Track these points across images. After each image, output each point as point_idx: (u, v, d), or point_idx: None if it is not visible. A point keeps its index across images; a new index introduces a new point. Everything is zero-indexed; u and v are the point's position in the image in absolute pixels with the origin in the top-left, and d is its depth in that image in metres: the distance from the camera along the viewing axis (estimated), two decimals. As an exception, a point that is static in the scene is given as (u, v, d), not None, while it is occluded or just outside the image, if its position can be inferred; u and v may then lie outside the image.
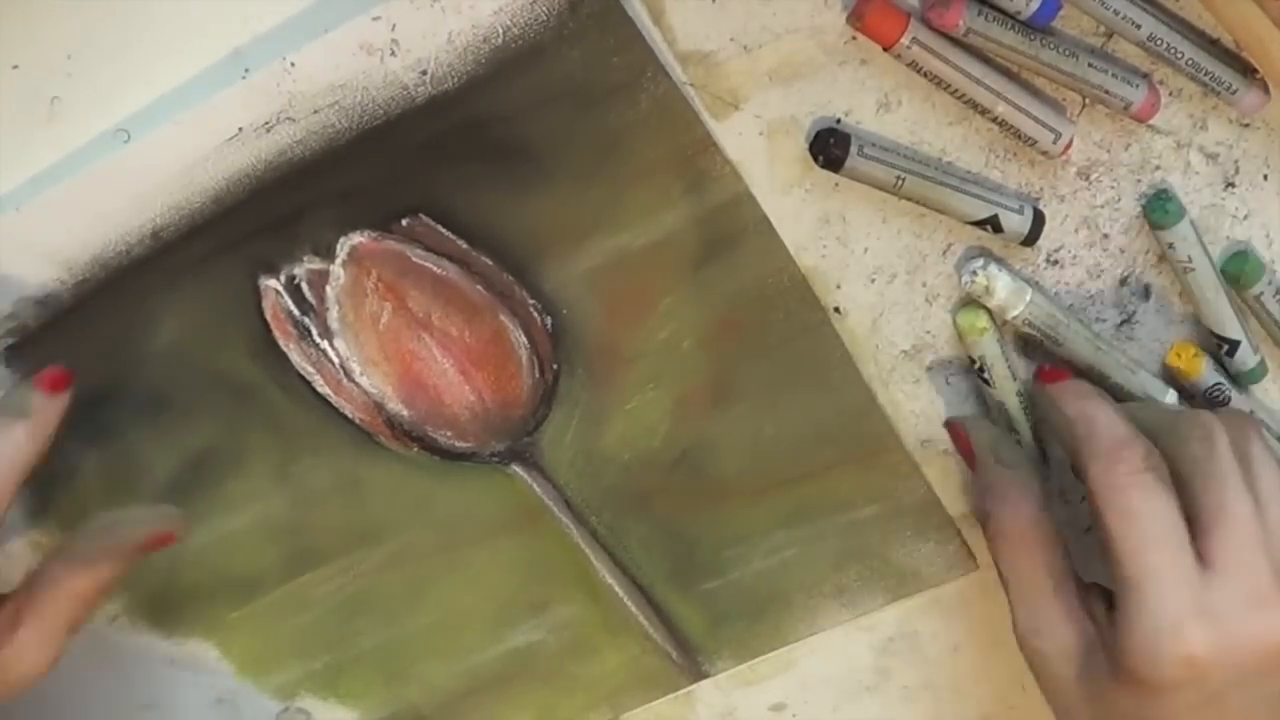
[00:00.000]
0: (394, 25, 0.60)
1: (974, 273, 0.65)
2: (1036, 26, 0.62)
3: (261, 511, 0.69)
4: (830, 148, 0.63)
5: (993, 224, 0.65)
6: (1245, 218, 0.67)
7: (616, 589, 0.71)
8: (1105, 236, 0.67)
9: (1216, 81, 0.64)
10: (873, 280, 0.66)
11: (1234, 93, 0.64)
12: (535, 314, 0.66)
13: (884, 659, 0.73)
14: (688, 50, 0.62)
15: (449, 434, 0.68)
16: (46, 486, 0.67)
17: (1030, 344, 0.67)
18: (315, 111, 0.61)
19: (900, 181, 0.64)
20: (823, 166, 0.63)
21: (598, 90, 0.62)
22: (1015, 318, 0.65)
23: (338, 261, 0.64)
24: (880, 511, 0.70)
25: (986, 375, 0.67)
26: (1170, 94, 0.65)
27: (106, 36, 0.62)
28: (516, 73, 0.61)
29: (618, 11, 0.60)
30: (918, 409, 0.68)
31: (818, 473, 0.70)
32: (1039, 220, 0.65)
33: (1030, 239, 0.65)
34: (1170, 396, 0.68)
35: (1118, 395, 0.66)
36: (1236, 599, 0.59)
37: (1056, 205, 0.66)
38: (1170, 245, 0.66)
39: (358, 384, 0.67)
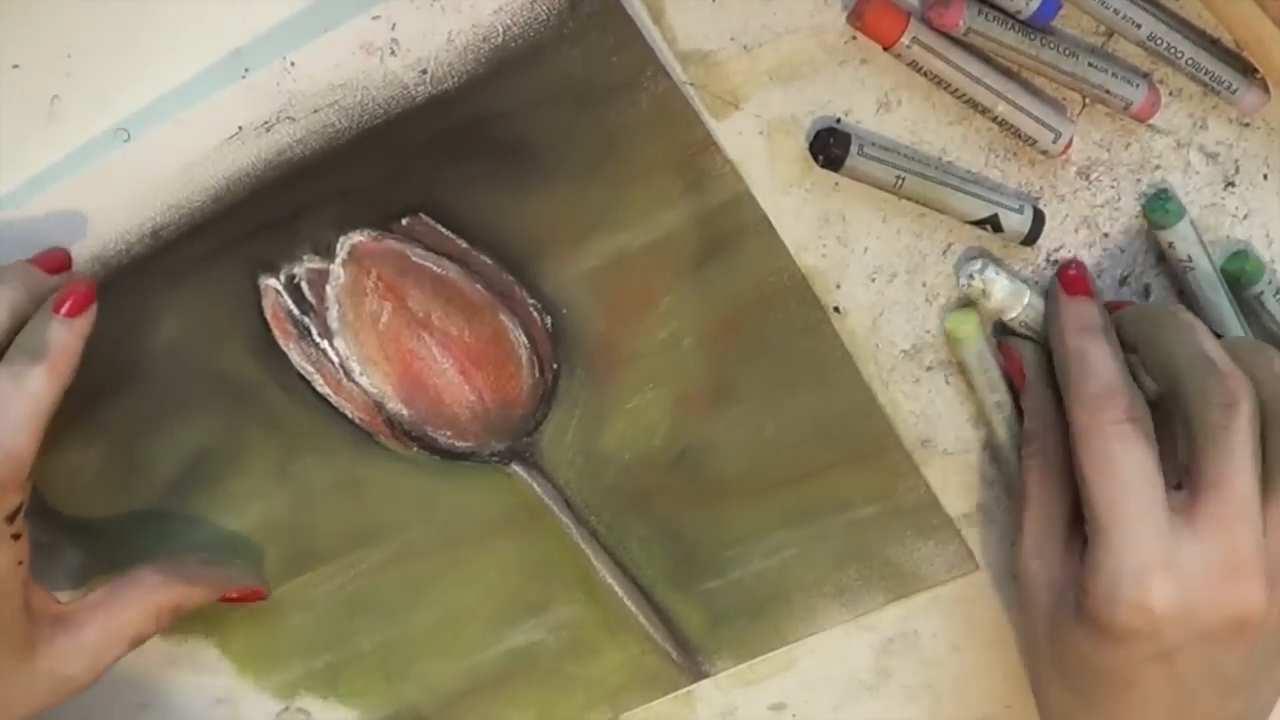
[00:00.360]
0: (394, 24, 0.60)
1: (971, 275, 0.65)
2: (1036, 26, 0.62)
3: (261, 511, 0.69)
4: (830, 147, 0.63)
5: (993, 223, 0.65)
6: (1245, 217, 0.67)
7: (616, 589, 0.71)
8: (1105, 236, 0.67)
9: (1216, 81, 0.64)
10: (873, 280, 0.66)
11: (1234, 92, 0.64)
12: (535, 313, 0.66)
13: (884, 659, 0.73)
14: (688, 50, 0.62)
15: (449, 434, 0.68)
16: (46, 486, 0.67)
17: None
18: (315, 111, 0.61)
19: (900, 181, 0.64)
20: (823, 166, 0.63)
21: (598, 89, 0.62)
22: (1013, 320, 0.65)
23: (337, 261, 0.64)
24: (880, 511, 0.70)
25: (970, 380, 0.67)
26: (1170, 94, 0.65)
27: (106, 36, 0.62)
28: (516, 72, 0.61)
29: (617, 10, 0.60)
30: (917, 409, 0.68)
31: (817, 472, 0.69)
32: (1039, 220, 0.65)
33: (1030, 238, 0.65)
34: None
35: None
36: (1207, 562, 0.59)
37: (1056, 205, 0.66)
38: (1170, 245, 0.66)
39: (357, 383, 0.66)
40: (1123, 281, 0.67)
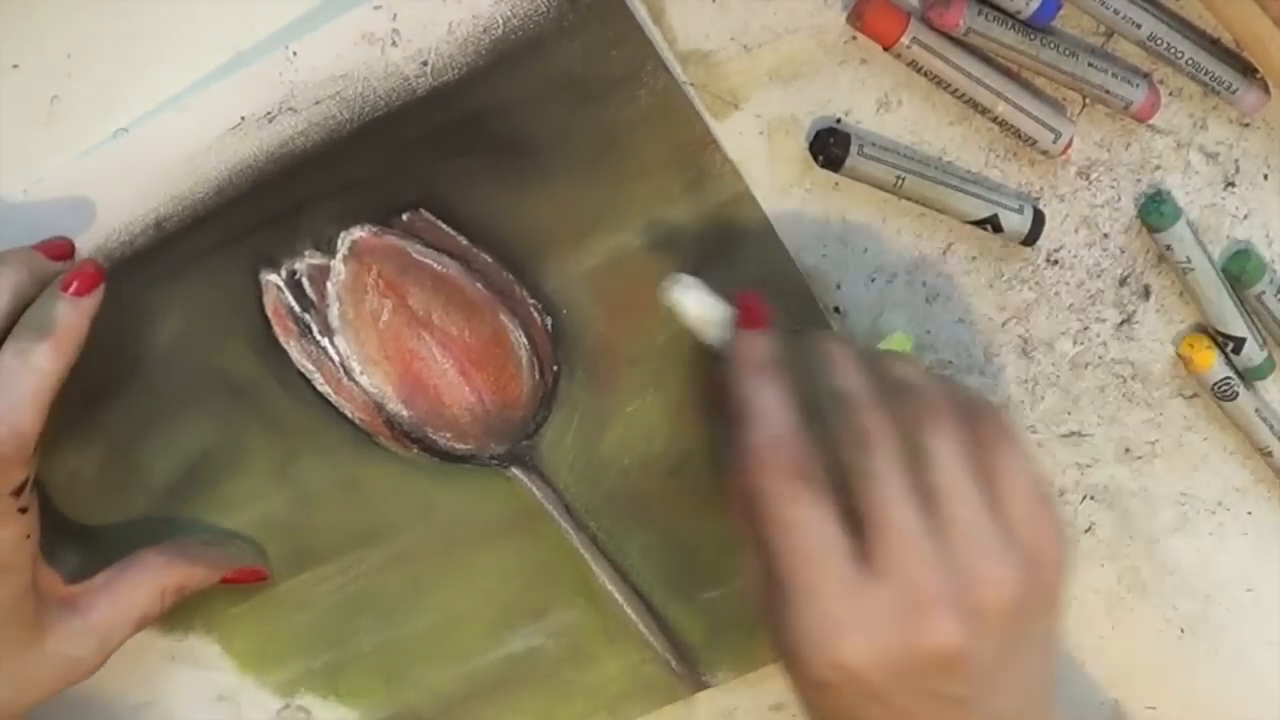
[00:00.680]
0: (395, 15, 0.60)
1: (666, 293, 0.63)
2: (1036, 26, 0.62)
3: (261, 510, 0.68)
4: (830, 147, 0.63)
5: (992, 224, 0.65)
6: (1245, 217, 0.67)
7: (616, 595, 0.71)
8: (1105, 236, 0.67)
9: (1216, 81, 0.64)
10: (873, 280, 0.66)
11: (1234, 92, 0.64)
12: (535, 314, 0.66)
13: (884, 658, 0.73)
14: (688, 50, 0.63)
15: (448, 435, 0.68)
16: (44, 487, 0.67)
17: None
18: (317, 102, 0.61)
19: (900, 181, 0.64)
20: (823, 166, 0.64)
21: (597, 84, 0.62)
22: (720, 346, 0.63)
23: (338, 256, 0.64)
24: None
25: None
26: (1170, 94, 0.65)
27: (106, 36, 0.62)
28: (516, 64, 0.62)
29: (617, 4, 0.61)
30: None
31: (818, 481, 0.69)
32: (1039, 220, 0.65)
33: (1030, 239, 0.65)
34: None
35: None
36: (891, 607, 0.57)
37: (1056, 205, 0.66)
38: (1168, 247, 0.66)
39: (358, 383, 0.66)
40: (1123, 282, 0.67)
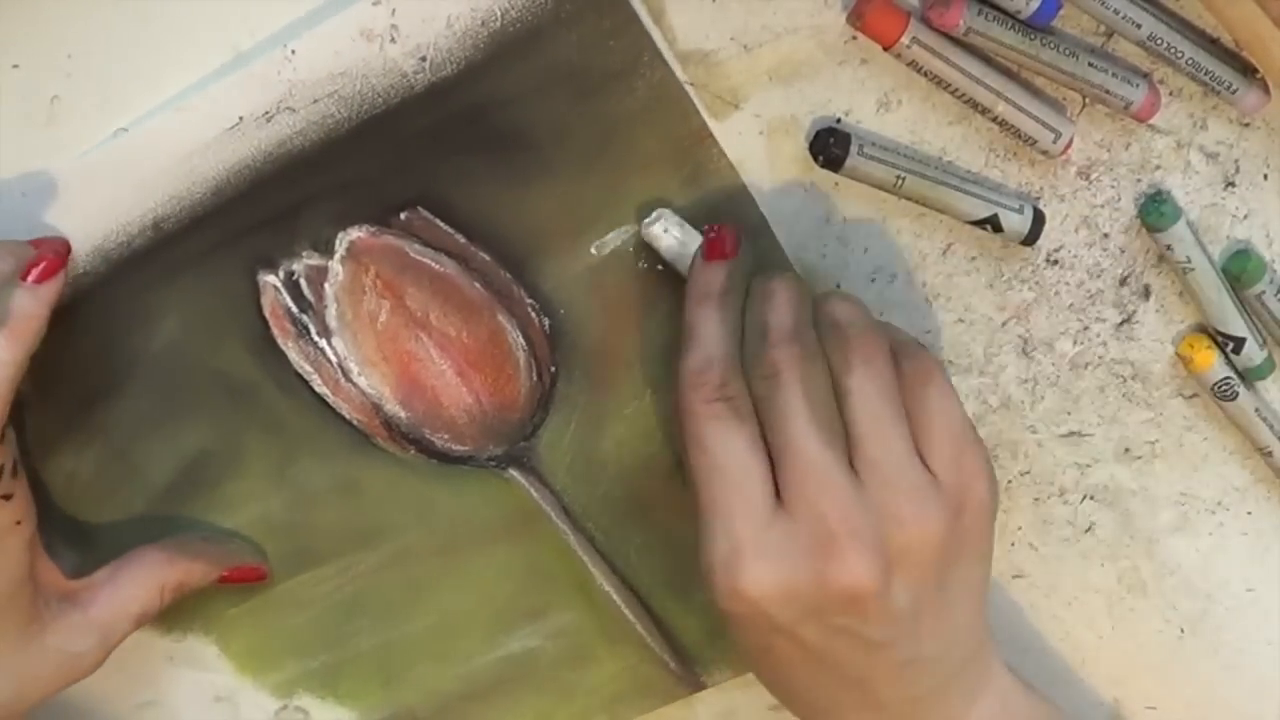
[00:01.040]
0: (393, 10, 0.60)
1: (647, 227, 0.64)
2: (1036, 26, 0.62)
3: (259, 511, 0.68)
4: (830, 147, 0.63)
5: (993, 223, 0.65)
6: (1245, 217, 0.67)
7: (614, 596, 0.70)
8: (1105, 236, 0.67)
9: (1216, 81, 0.64)
10: (873, 280, 0.66)
11: (1234, 92, 0.64)
12: (533, 314, 0.66)
13: (884, 659, 0.73)
14: (688, 49, 0.63)
15: (446, 437, 0.67)
16: (42, 487, 0.67)
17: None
18: (315, 101, 0.61)
19: (900, 181, 0.64)
20: (823, 166, 0.64)
21: (595, 76, 0.62)
22: None
23: (336, 257, 0.64)
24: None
25: None
26: (1170, 94, 0.65)
27: (106, 36, 0.62)
28: (514, 58, 0.61)
29: None
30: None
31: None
32: (1039, 220, 0.65)
33: (1030, 239, 0.65)
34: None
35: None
36: (799, 541, 0.57)
37: (1056, 205, 0.66)
38: (1168, 247, 0.66)
39: (355, 384, 0.66)
40: (1123, 282, 0.67)
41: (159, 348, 0.66)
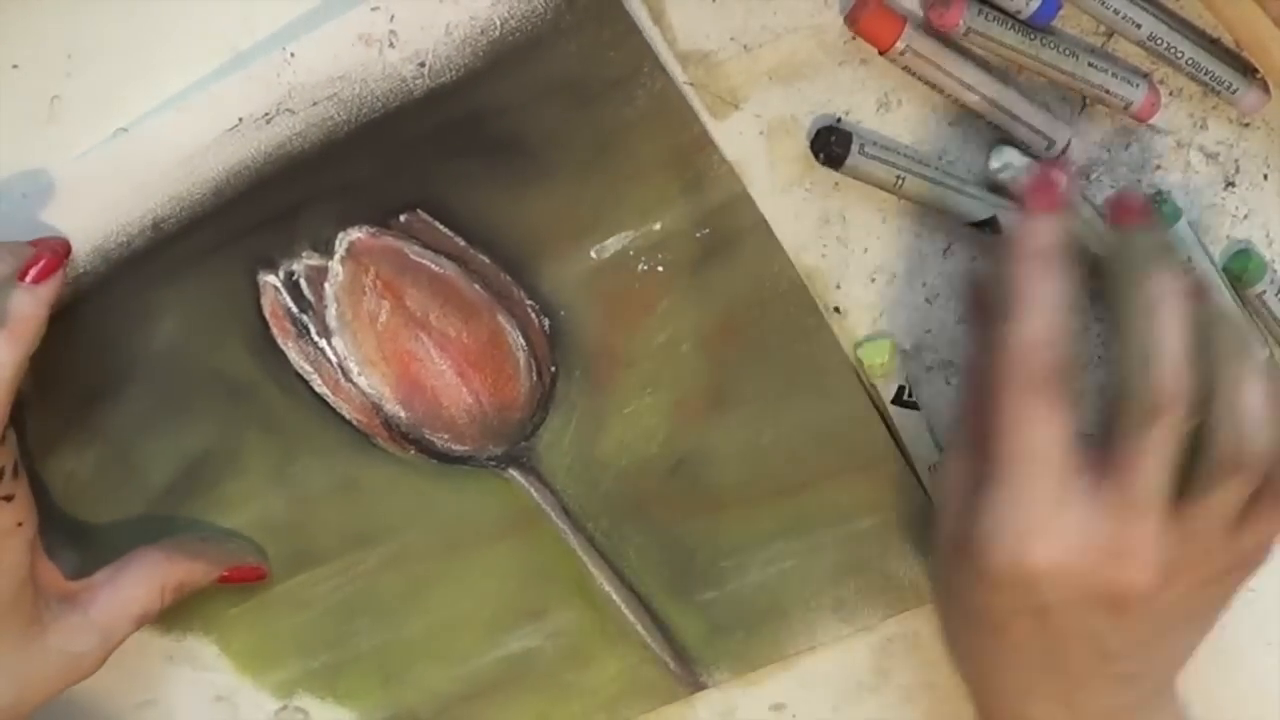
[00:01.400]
0: (392, 16, 0.60)
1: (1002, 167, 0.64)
2: (1037, 26, 0.62)
3: (259, 511, 0.69)
4: (831, 145, 0.63)
5: (992, 225, 0.64)
6: (1245, 217, 0.67)
7: (614, 596, 0.70)
8: (1105, 236, 0.67)
9: (1216, 81, 0.64)
10: (873, 280, 0.66)
11: (1234, 92, 0.64)
12: (533, 315, 0.66)
13: (884, 659, 0.72)
14: (688, 50, 0.63)
15: (446, 437, 0.68)
16: (42, 487, 0.67)
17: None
18: (314, 104, 0.61)
19: (900, 181, 0.64)
20: (823, 164, 0.63)
21: (595, 85, 0.62)
22: None
23: (336, 257, 0.64)
24: (880, 523, 0.70)
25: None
26: (1170, 93, 0.65)
27: (106, 36, 0.62)
28: (514, 66, 0.61)
29: (614, 5, 0.61)
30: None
31: (816, 481, 0.69)
32: None
33: None
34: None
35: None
36: (1095, 539, 0.58)
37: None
38: (1169, 247, 0.66)
39: (355, 384, 0.66)
40: (1123, 282, 0.67)
41: (159, 348, 0.66)
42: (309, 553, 0.69)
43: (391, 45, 0.61)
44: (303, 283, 0.65)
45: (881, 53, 0.62)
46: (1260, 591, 0.71)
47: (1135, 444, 0.58)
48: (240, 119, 0.61)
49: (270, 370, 0.66)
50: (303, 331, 0.65)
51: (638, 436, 0.68)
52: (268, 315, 0.65)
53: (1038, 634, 0.60)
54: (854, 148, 0.63)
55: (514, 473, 0.68)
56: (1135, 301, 0.58)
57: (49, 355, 0.63)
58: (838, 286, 0.66)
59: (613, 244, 0.65)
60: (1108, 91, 0.63)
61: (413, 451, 0.68)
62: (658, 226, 0.64)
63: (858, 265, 0.66)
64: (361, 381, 0.66)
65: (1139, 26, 0.62)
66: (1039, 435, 0.58)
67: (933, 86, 0.63)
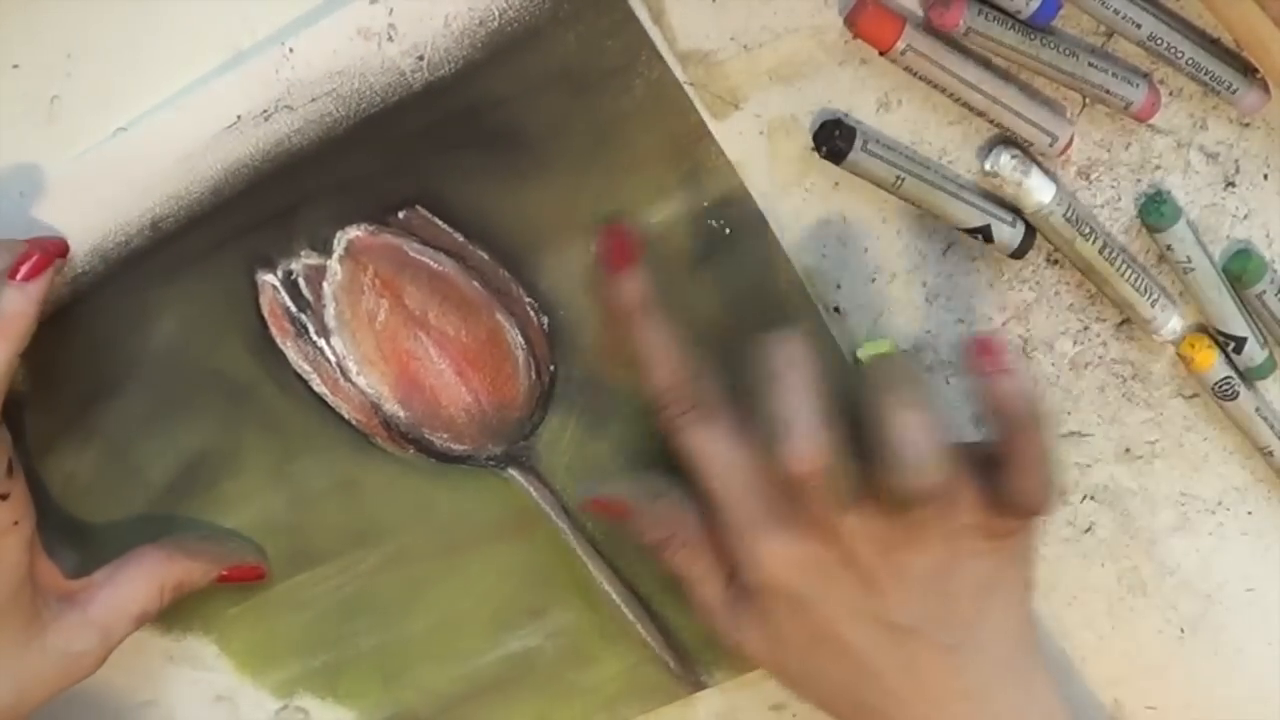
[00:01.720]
0: (391, 9, 0.60)
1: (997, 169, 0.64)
2: (1037, 26, 0.62)
3: (258, 511, 0.68)
4: (835, 139, 0.63)
5: (984, 234, 0.64)
6: (1245, 217, 0.67)
7: (613, 596, 0.70)
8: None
9: (1217, 81, 0.64)
10: (873, 280, 0.66)
11: (1234, 92, 0.64)
12: (532, 313, 0.66)
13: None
14: (688, 49, 0.63)
15: (445, 436, 0.67)
16: (41, 487, 0.67)
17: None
18: (313, 99, 0.61)
19: (900, 181, 0.63)
20: (825, 157, 0.63)
21: (593, 75, 0.62)
22: (1037, 215, 0.65)
23: (335, 256, 0.64)
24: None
25: None
26: (1170, 93, 0.65)
27: (106, 36, 0.62)
28: (512, 57, 0.61)
29: None
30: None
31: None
32: (1030, 235, 0.65)
33: (1019, 253, 0.65)
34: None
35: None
36: (805, 542, 0.61)
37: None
38: (1168, 247, 0.65)
39: (354, 383, 0.66)
40: (1123, 281, 0.67)
41: (158, 347, 0.66)
42: (308, 552, 0.69)
43: (390, 39, 0.61)
44: (301, 282, 0.65)
45: (882, 53, 0.62)
46: (1260, 591, 0.71)
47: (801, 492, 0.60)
48: (239, 116, 0.61)
49: (269, 370, 0.66)
50: (301, 331, 0.65)
51: (637, 435, 0.68)
52: (266, 315, 0.65)
53: (831, 640, 0.62)
54: (857, 144, 0.63)
55: (513, 472, 0.68)
56: (760, 369, 0.61)
57: (48, 355, 0.63)
58: (838, 286, 0.66)
59: (611, 239, 0.65)
60: (1108, 91, 0.63)
61: (412, 451, 0.68)
62: (656, 220, 0.64)
63: (858, 265, 0.66)
64: (360, 381, 0.66)
65: (1139, 26, 0.62)
66: (706, 460, 0.63)
67: (933, 85, 0.63)
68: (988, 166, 0.64)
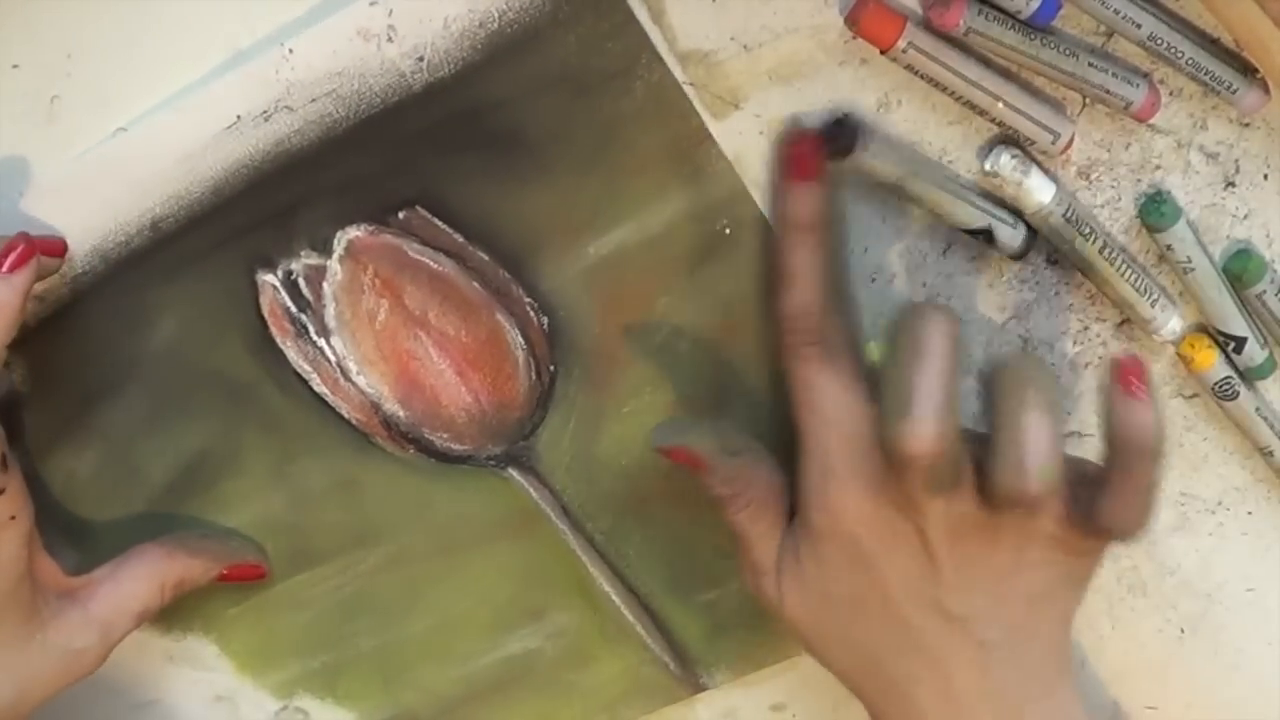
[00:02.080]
0: (391, 10, 0.60)
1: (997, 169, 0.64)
2: (1037, 26, 0.62)
3: (258, 511, 0.69)
4: (840, 138, 0.63)
5: (986, 235, 0.64)
6: (1245, 217, 0.67)
7: (614, 597, 0.70)
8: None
9: (1217, 81, 0.64)
10: (873, 280, 0.66)
11: (1234, 92, 0.64)
12: (532, 313, 0.66)
13: (884, 659, 0.73)
14: (688, 49, 0.63)
15: (445, 436, 0.67)
16: (42, 486, 0.67)
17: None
18: (313, 100, 0.61)
19: (900, 181, 0.63)
20: (829, 155, 0.63)
21: (593, 77, 0.62)
22: (1036, 215, 0.65)
23: (335, 256, 0.64)
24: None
25: None
26: (1170, 93, 0.65)
27: (106, 36, 0.62)
28: (512, 58, 0.61)
29: None
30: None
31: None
32: (1032, 236, 0.65)
33: (1020, 254, 0.65)
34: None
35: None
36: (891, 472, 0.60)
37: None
38: (1168, 247, 0.65)
39: (354, 383, 0.66)
40: (1123, 282, 0.67)
41: (158, 347, 0.66)
42: (308, 552, 0.69)
43: (390, 40, 0.61)
44: (301, 282, 0.65)
45: (882, 52, 0.62)
46: (1260, 591, 0.71)
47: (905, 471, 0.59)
48: (239, 116, 0.61)
49: (269, 369, 0.66)
50: (301, 331, 0.65)
51: (638, 435, 0.68)
52: (266, 315, 0.65)
53: (878, 597, 0.62)
54: (859, 144, 0.63)
55: (513, 472, 0.68)
56: (906, 334, 0.59)
57: (48, 355, 0.63)
58: (838, 287, 0.66)
59: (611, 240, 0.65)
60: (1108, 91, 0.63)
61: (412, 451, 0.68)
62: (656, 222, 0.64)
63: (858, 265, 0.66)
64: (360, 381, 0.66)
65: (1139, 26, 0.62)
66: (814, 397, 0.62)
67: (934, 84, 0.63)
68: (988, 166, 0.64)
